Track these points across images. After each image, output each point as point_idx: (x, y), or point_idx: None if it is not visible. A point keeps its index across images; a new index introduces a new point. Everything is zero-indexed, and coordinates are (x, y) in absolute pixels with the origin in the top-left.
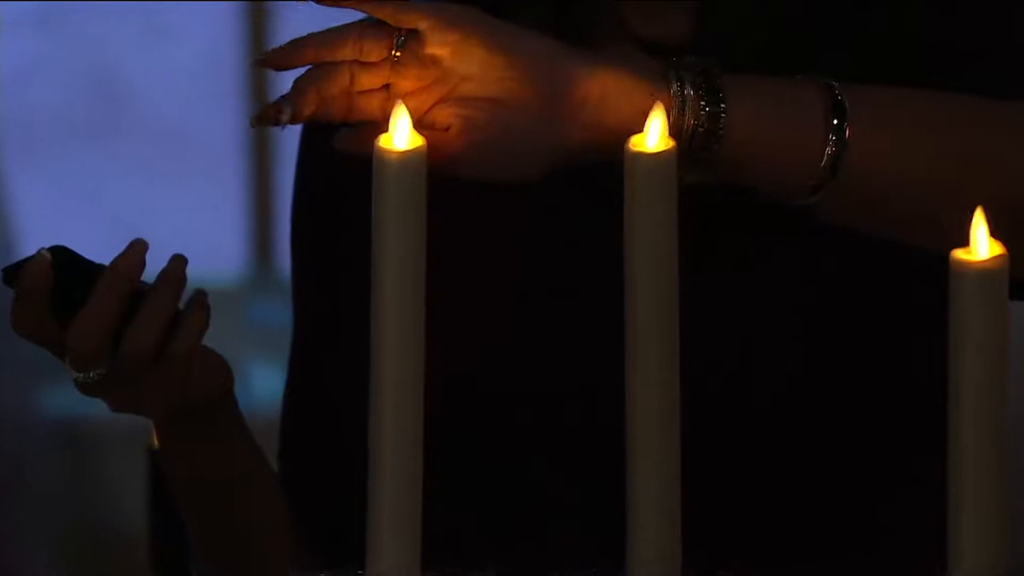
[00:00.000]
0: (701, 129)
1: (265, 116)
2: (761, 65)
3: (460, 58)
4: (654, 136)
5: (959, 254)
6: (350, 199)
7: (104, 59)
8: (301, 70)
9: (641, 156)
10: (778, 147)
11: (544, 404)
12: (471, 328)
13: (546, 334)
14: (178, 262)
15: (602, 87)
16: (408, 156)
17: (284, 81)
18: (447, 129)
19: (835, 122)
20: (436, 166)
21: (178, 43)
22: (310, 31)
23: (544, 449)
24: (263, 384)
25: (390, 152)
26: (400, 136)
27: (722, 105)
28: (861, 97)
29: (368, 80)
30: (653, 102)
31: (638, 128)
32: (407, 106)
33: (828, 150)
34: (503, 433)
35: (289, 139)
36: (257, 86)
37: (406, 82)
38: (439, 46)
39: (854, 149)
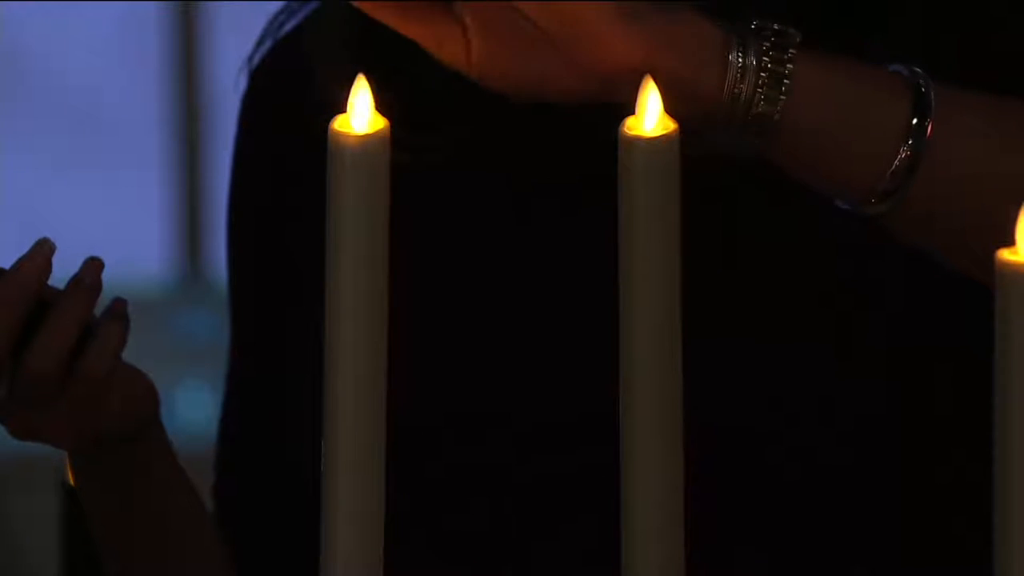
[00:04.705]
0: (759, 98)
1: None
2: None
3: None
4: (652, 117)
5: (1005, 254)
6: (301, 189)
7: (1, 20)
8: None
9: (639, 142)
10: (844, 134)
11: (526, 432)
12: (443, 344)
13: (532, 351)
14: (92, 267)
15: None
16: (369, 140)
17: (218, 47)
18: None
19: (915, 121)
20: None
21: (90, 2)
22: None
23: (524, 484)
24: (193, 408)
25: (347, 135)
26: (360, 117)
27: (786, 81)
28: (950, 96)
29: None
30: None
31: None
32: None
33: (903, 151)
34: (478, 465)
35: (223, 117)
36: (183, 51)
37: None
38: None
39: (933, 155)
